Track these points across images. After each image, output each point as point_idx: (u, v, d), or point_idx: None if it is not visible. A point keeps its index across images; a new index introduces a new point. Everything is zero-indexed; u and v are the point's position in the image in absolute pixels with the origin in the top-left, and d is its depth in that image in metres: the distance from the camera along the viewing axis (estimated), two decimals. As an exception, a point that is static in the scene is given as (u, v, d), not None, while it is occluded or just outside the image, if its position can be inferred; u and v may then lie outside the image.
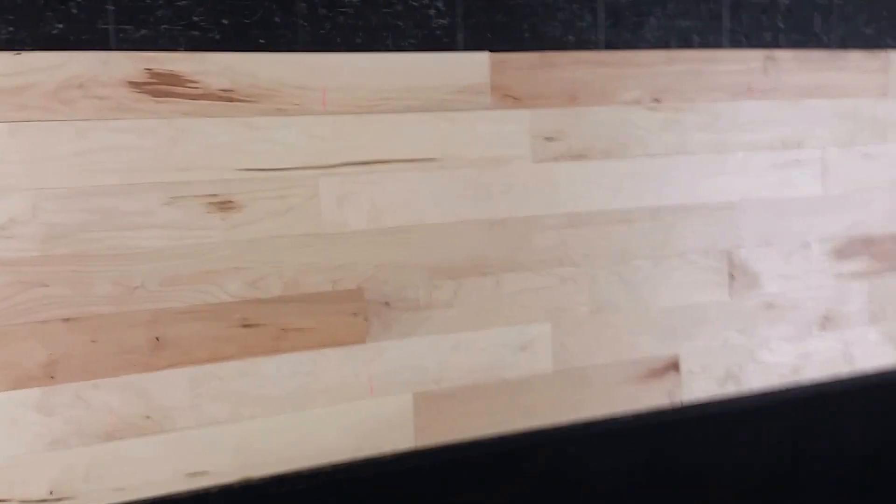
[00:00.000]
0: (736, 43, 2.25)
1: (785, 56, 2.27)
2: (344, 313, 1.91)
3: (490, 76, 1.99)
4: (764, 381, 2.36)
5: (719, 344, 2.30)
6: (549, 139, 2.06)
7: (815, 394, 2.44)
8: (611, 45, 2.13)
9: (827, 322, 2.41)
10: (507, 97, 2.02)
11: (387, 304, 1.95)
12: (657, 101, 2.16)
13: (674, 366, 2.25)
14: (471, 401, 2.05)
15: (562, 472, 2.26)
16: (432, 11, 1.95)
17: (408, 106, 1.92)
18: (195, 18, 1.77)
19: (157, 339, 1.77)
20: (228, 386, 1.83)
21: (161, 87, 1.73)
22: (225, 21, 1.79)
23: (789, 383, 2.39)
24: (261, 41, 1.82)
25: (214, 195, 1.78)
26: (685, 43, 2.20)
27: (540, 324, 2.11)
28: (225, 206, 1.79)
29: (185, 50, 1.76)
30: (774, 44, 2.28)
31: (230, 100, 1.78)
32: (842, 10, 2.34)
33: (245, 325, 1.83)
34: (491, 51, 1.99)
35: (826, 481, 2.69)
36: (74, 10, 1.68)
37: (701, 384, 2.29)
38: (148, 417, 1.78)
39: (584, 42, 2.10)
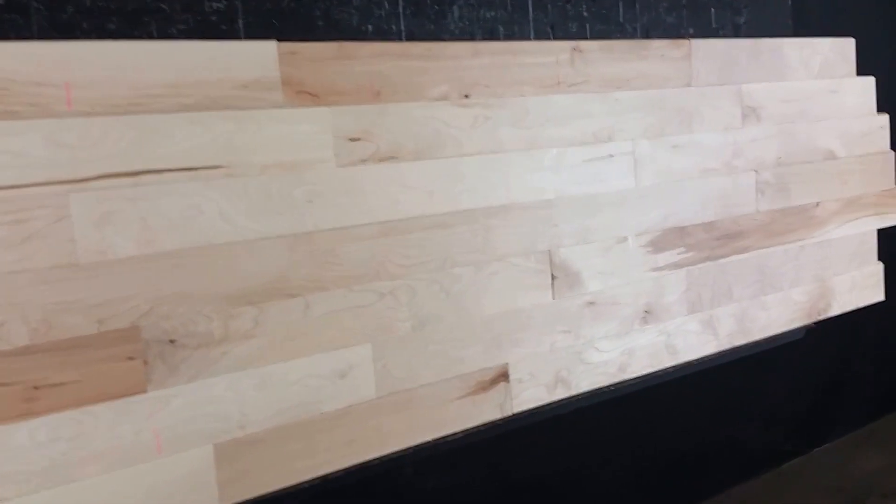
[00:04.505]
0: (542, 34, 1.84)
1: (591, 47, 1.88)
2: (115, 359, 1.33)
3: (280, 69, 1.48)
4: (592, 382, 1.97)
5: (546, 349, 1.88)
6: (353, 140, 1.57)
7: (641, 389, 2.08)
8: (412, 37, 1.67)
9: (648, 316, 2.04)
10: (302, 93, 1.51)
11: (171, 341, 1.39)
12: (466, 96, 1.71)
13: (503, 376, 1.81)
14: (284, 443, 1.52)
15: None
16: (205, -7, 1.43)
17: (180, 104, 1.37)
18: None
19: None
20: (-39, 467, 1.23)
21: None
22: (-75, 1, 1.19)
23: (616, 381, 2.01)
24: (-21, 27, 1.24)
25: (-79, 224, 1.18)
26: (490, 35, 1.78)
27: (359, 346, 1.61)
28: (-62, 237, 1.19)
29: None
30: (581, 34, 1.89)
31: (-64, 100, 1.18)
32: (643, -2, 1.99)
33: (-20, 388, 1.23)
34: (279, 39, 1.48)
35: (657, 471, 2.35)
36: None
37: (531, 392, 1.86)
38: None
39: (383, 32, 1.63)
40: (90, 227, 1.30)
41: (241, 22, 1.46)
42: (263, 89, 1.46)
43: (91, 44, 1.30)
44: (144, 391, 1.36)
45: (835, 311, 2.51)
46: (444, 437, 1.73)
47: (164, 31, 1.38)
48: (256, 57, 1.45)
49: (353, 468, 1.60)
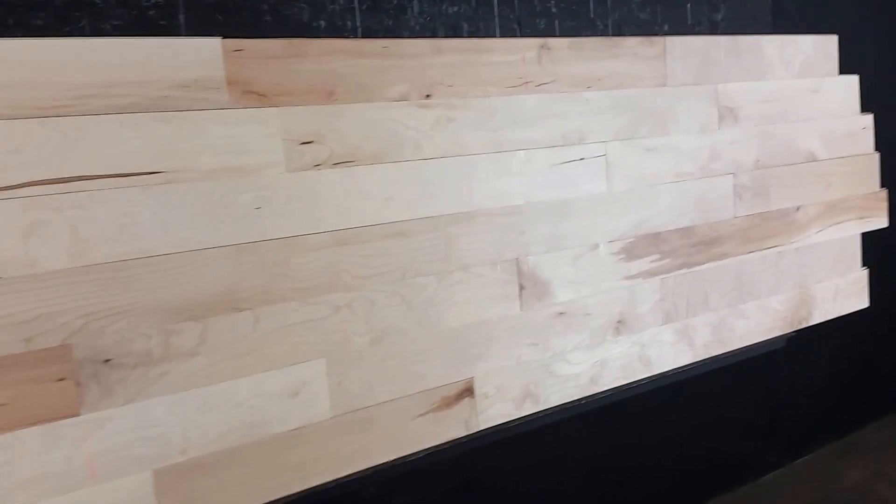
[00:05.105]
0: (508, 31, 1.79)
1: (560, 44, 1.82)
2: (45, 380, 1.26)
3: (224, 67, 1.41)
4: (563, 396, 1.91)
5: (513, 362, 1.82)
6: (305, 143, 1.51)
7: (614, 402, 2.03)
8: (369, 33, 1.61)
9: (621, 326, 1.99)
10: (248, 93, 1.44)
11: (106, 361, 1.32)
12: (428, 96, 1.65)
13: (468, 391, 1.76)
14: (229, 468, 1.45)
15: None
16: (142, -13, 1.36)
17: (113, 105, 1.30)
18: None
19: None
20: None
21: None
22: None
23: (588, 395, 1.95)
24: None
25: None
26: (453, 31, 1.72)
27: (313, 362, 1.55)
28: None
29: None
30: (549, 31, 1.83)
31: None
32: (615, -6, 1.93)
33: None
34: (223, 36, 1.41)
35: (633, 486, 2.30)
36: None
37: (498, 407, 1.80)
38: None
39: (337, 28, 1.57)
40: (15, 237, 1.22)
41: (181, 17, 1.39)
42: (206, 89, 1.39)
43: (15, 41, 1.23)
44: (77, 414, 1.29)
45: (816, 319, 2.47)
46: (405, 457, 1.67)
47: (97, 28, 1.31)
48: (199, 54, 1.38)
49: (307, 492, 1.54)
